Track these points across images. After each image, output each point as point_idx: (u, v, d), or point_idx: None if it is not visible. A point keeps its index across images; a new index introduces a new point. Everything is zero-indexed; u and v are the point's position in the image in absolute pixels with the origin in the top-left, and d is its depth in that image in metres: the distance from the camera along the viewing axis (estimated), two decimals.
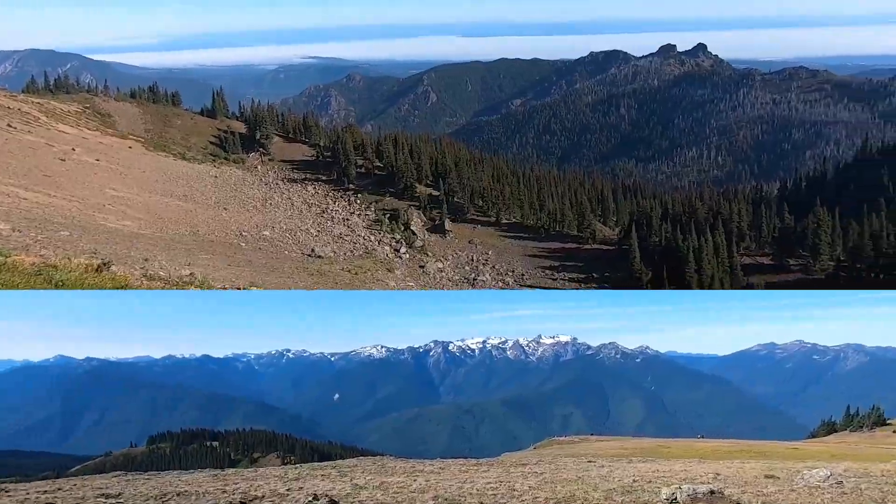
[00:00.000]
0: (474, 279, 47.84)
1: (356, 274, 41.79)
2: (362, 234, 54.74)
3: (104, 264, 19.85)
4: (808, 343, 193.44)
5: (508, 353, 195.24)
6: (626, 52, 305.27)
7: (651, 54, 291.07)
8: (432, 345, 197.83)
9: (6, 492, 9.46)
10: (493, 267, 50.45)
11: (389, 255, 50.38)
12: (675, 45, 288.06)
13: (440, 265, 49.87)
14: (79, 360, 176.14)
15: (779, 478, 11.06)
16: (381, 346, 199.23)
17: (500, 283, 47.49)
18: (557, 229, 58.33)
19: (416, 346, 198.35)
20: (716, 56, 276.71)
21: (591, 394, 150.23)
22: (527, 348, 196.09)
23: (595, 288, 48.16)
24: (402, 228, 55.68)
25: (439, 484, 10.08)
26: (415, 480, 10.56)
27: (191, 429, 73.39)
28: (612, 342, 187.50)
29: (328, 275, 39.75)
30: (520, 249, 54.20)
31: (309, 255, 45.90)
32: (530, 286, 47.92)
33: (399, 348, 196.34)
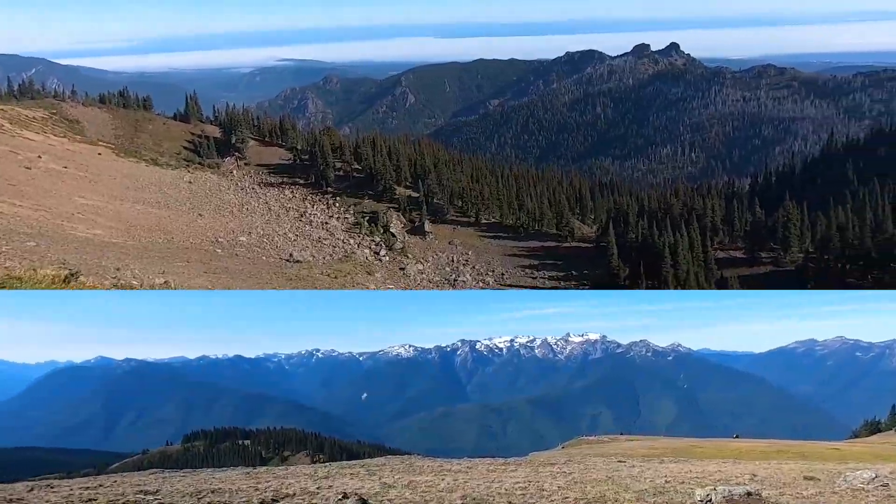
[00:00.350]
0: (455, 280, 47.92)
1: (336, 278, 41.50)
2: (341, 238, 54.38)
3: (72, 275, 19.33)
4: (851, 339, 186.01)
5: (536, 351, 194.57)
6: (601, 52, 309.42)
7: (625, 54, 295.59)
8: (459, 344, 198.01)
9: (51, 488, 9.71)
10: (474, 267, 50.62)
11: (369, 258, 50.15)
12: (648, 45, 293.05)
13: (420, 267, 49.84)
14: (118, 361, 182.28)
15: (819, 479, 10.65)
16: (409, 346, 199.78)
17: (481, 284, 47.66)
18: (536, 228, 58.80)
19: (443, 345, 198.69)
20: (688, 55, 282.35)
21: (620, 393, 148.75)
22: (555, 347, 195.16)
23: (574, 285, 48.69)
24: (382, 231, 55.49)
25: (467, 483, 10.04)
26: (443, 480, 10.52)
27: (224, 427, 75.86)
28: (643, 340, 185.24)
29: (307, 279, 39.39)
30: (499, 249, 54.49)
31: (287, 260, 45.41)
32: (510, 286, 48.21)
33: (426, 348, 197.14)
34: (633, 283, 45.35)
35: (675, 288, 43.79)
